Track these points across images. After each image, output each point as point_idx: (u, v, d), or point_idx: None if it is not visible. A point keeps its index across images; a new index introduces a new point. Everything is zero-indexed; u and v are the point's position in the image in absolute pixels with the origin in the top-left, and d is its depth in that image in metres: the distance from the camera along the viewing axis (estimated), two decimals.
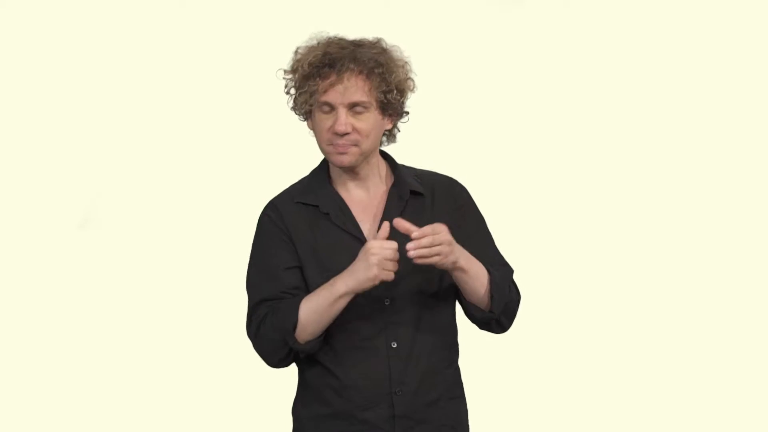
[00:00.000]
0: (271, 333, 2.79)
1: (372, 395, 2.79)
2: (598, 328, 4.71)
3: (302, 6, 4.56)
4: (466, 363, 2.96)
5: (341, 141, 2.78)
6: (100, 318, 4.59)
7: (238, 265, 2.98)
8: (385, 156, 2.95)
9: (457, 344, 2.92)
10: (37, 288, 4.58)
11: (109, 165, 4.64)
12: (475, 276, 2.80)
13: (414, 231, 2.69)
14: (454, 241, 2.74)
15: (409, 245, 2.69)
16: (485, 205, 3.00)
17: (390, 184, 2.90)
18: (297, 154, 3.20)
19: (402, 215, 2.84)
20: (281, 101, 3.01)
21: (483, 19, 4.72)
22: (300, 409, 2.89)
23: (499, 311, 2.85)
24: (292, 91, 2.87)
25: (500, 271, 2.89)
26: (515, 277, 2.97)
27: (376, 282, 2.71)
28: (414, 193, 2.89)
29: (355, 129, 2.78)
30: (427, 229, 2.70)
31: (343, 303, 2.75)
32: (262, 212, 2.92)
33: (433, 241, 2.69)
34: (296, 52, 2.87)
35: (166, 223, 4.64)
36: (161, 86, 4.65)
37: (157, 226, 4.64)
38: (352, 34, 2.85)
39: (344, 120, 2.77)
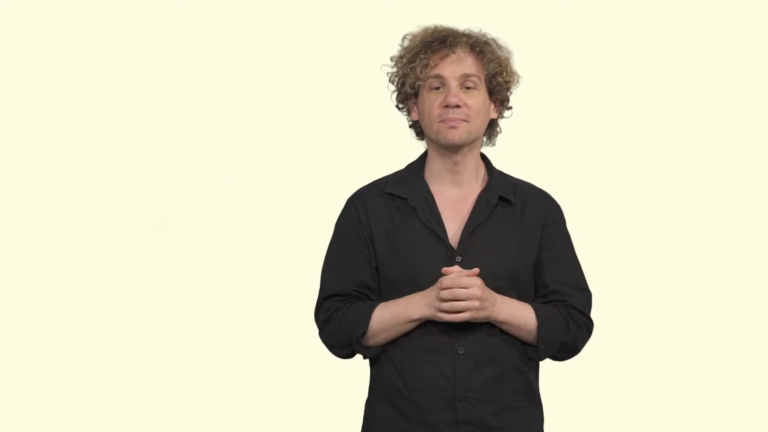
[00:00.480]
0: (339, 332, 2.85)
1: (436, 400, 2.79)
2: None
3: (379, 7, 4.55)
4: (549, 373, 2.97)
5: (452, 114, 2.81)
6: (174, 317, 4.60)
7: (316, 265, 2.98)
8: (484, 159, 2.95)
9: (532, 352, 2.86)
10: (114, 287, 4.60)
11: (185, 165, 4.62)
12: (520, 327, 2.82)
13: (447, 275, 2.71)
14: (490, 296, 2.75)
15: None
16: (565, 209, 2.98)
17: (483, 188, 2.90)
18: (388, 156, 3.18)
19: (488, 221, 2.86)
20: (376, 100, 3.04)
21: (563, 16, 4.66)
22: (371, 405, 2.91)
23: (545, 357, 2.87)
24: (396, 82, 2.89)
25: (560, 307, 2.85)
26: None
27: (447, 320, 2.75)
28: (504, 200, 2.88)
29: (465, 104, 2.81)
30: (446, 279, 2.71)
31: (415, 324, 2.80)
32: (349, 200, 2.94)
33: (454, 295, 2.71)
34: (404, 39, 2.91)
35: (247, 223, 4.63)
36: (247, 83, 4.61)
37: (236, 226, 4.63)
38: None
39: (456, 91, 2.81)
